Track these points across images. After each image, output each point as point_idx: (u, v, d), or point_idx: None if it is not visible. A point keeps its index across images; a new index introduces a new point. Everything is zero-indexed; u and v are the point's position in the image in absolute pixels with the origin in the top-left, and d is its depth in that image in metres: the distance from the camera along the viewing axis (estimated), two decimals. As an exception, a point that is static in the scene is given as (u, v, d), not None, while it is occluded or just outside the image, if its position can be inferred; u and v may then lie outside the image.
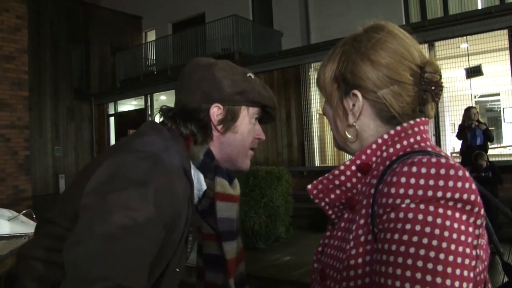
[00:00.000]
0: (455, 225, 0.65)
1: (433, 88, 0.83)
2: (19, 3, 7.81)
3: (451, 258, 0.63)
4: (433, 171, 0.68)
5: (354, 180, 0.83)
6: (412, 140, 0.81)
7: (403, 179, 0.69)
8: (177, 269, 1.15)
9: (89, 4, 18.04)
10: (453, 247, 0.64)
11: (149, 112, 15.59)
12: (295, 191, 7.29)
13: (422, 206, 0.67)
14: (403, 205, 0.68)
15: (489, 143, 7.02)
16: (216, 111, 1.16)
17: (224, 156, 1.20)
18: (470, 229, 0.67)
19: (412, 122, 0.83)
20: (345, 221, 0.84)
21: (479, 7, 10.88)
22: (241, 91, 1.17)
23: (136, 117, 15.93)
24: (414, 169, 0.69)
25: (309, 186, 0.88)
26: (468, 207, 0.67)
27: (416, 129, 0.82)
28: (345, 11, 12.67)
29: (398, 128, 0.82)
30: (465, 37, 8.32)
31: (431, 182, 0.67)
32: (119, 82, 15.88)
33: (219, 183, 1.14)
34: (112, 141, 16.22)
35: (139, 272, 0.88)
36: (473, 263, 0.66)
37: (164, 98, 15.99)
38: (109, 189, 0.91)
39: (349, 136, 0.88)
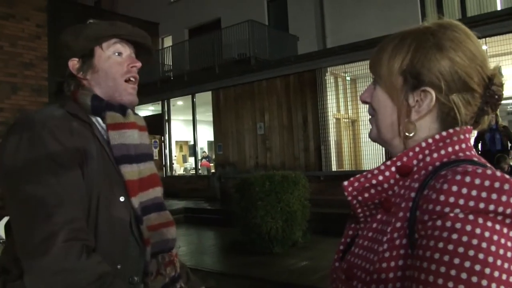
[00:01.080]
0: (502, 241, 0.64)
1: (495, 101, 0.82)
2: (39, 11, 7.96)
3: (496, 274, 0.62)
4: (487, 183, 0.66)
5: (392, 181, 0.82)
6: (457, 147, 0.80)
7: (454, 188, 0.67)
8: (121, 219, 1.24)
9: (106, 11, 18.32)
10: (499, 262, 0.62)
11: (166, 117, 15.73)
12: (312, 196, 7.26)
13: (471, 217, 0.65)
14: (452, 214, 0.66)
15: (509, 144, 6.93)
16: (73, 64, 1.32)
17: (104, 94, 1.33)
18: None
19: (458, 128, 0.81)
20: (378, 222, 0.83)
21: (499, 8, 10.74)
22: (83, 37, 1.31)
23: (153, 122, 16.06)
24: (468, 179, 0.67)
25: (346, 183, 0.86)
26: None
27: (461, 136, 0.81)
28: (361, 15, 12.63)
29: (444, 133, 0.81)
30: (483, 39, 8.21)
31: (484, 195, 0.66)
32: (136, 87, 16.00)
33: (108, 116, 1.29)
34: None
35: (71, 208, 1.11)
36: None
37: (181, 103, 16.11)
38: None
39: (406, 133, 0.84)
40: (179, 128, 18.49)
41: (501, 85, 0.82)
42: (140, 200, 1.28)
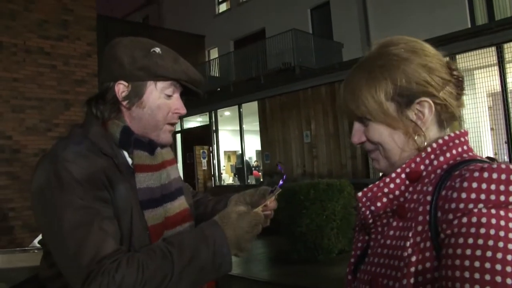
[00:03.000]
0: None
1: (461, 82, 0.90)
2: (89, 31, 8.38)
3: None
4: (503, 176, 0.69)
5: (403, 188, 0.85)
6: (460, 149, 0.84)
7: (474, 184, 0.70)
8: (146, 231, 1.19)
9: (154, 27, 18.92)
10: None
11: (214, 128, 15.99)
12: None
13: (493, 211, 0.68)
14: (476, 210, 0.69)
15: None
16: (121, 88, 1.21)
17: (140, 130, 1.24)
18: None
19: (457, 132, 0.86)
20: (395, 229, 0.84)
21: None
22: (142, 67, 1.20)
23: (202, 133, 16.38)
24: (486, 174, 0.70)
25: (360, 194, 0.89)
26: None
27: (462, 139, 0.86)
28: (407, 18, 12.38)
29: (446, 137, 0.85)
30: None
31: (502, 187, 0.69)
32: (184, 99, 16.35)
33: (136, 155, 1.21)
34: (179, 157, 16.75)
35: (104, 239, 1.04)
36: None
37: (228, 114, 16.34)
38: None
39: (421, 146, 0.87)
40: (227, 138, 18.71)
41: (456, 68, 0.90)
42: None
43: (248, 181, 16.15)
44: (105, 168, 1.14)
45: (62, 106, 7.95)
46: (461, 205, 0.70)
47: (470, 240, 0.67)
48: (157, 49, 1.24)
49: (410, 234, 0.78)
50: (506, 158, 9.76)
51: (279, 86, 12.94)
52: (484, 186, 0.69)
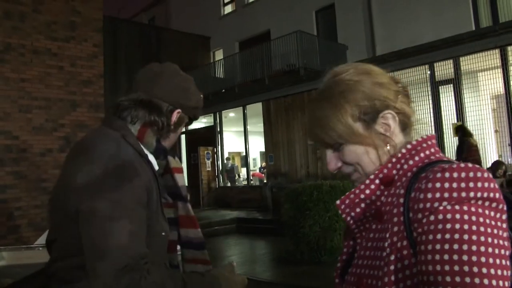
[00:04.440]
0: (487, 221, 0.73)
1: (406, 90, 0.98)
2: (95, 32, 8.48)
3: (490, 250, 0.71)
4: (463, 174, 0.75)
5: (378, 193, 0.90)
6: (427, 152, 0.90)
7: (438, 184, 0.76)
8: (163, 233, 1.34)
9: (160, 28, 19.00)
10: (490, 240, 0.71)
11: (218, 129, 16.05)
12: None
13: (457, 207, 0.74)
14: (441, 208, 0.74)
15: None
16: (176, 115, 1.39)
17: (164, 143, 1.43)
18: (499, 224, 0.74)
19: (424, 137, 0.93)
20: (374, 232, 0.89)
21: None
22: (196, 107, 1.45)
23: (206, 134, 16.45)
24: (447, 174, 0.76)
25: (338, 202, 0.94)
26: (494, 204, 0.75)
27: (429, 142, 0.92)
28: (412, 20, 12.38)
29: (414, 142, 0.91)
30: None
31: (463, 185, 0.75)
32: (189, 100, 16.34)
33: (172, 160, 1.46)
34: (184, 158, 16.82)
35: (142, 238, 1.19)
36: (507, 253, 0.73)
37: (233, 115, 16.39)
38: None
39: (393, 153, 0.93)
40: (231, 140, 18.77)
41: (399, 80, 0.99)
42: (191, 234, 1.50)
43: (252, 182, 16.20)
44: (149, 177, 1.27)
45: (68, 106, 8.04)
46: (428, 205, 0.76)
47: (439, 236, 0.73)
48: (192, 86, 1.44)
49: (387, 235, 0.83)
50: (511, 160, 9.76)
51: (283, 88, 12.99)
52: (446, 185, 0.75)
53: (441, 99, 10.28)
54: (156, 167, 1.37)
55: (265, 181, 14.73)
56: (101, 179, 1.17)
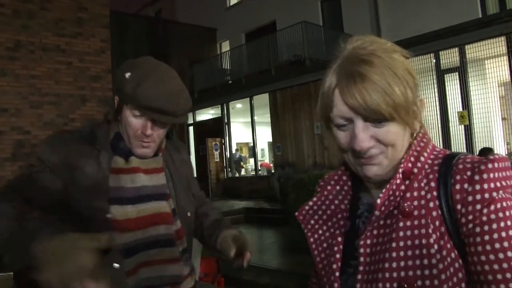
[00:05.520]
0: None
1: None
2: (103, 28, 8.62)
3: None
4: (505, 164, 0.79)
5: (403, 187, 0.85)
6: (431, 146, 0.89)
7: (492, 175, 0.77)
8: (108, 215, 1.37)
9: (167, 21, 19.08)
10: None
11: (226, 120, 16.16)
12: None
13: (508, 195, 0.77)
14: (498, 197, 0.76)
15: None
16: (115, 101, 1.47)
17: (124, 138, 1.46)
18: None
19: (422, 131, 0.90)
20: (404, 229, 0.83)
21: None
22: (116, 89, 1.43)
23: (214, 125, 16.56)
24: (496, 165, 0.78)
25: (378, 201, 0.85)
26: None
27: (427, 136, 0.91)
28: (418, 10, 12.34)
29: (418, 138, 0.89)
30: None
31: (505, 174, 0.79)
32: (197, 92, 16.54)
33: (113, 160, 1.43)
34: (192, 149, 16.97)
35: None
36: None
37: (240, 106, 16.48)
38: None
39: (415, 131, 0.89)
40: (239, 130, 18.86)
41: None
42: (135, 237, 1.39)
43: (260, 172, 16.34)
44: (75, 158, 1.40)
45: (78, 101, 8.22)
46: (486, 195, 0.76)
47: (502, 224, 0.74)
48: (127, 74, 1.38)
49: (431, 230, 0.80)
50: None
51: (290, 78, 13.03)
52: (497, 175, 0.77)
53: (446, 87, 10.29)
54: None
55: (273, 171, 14.84)
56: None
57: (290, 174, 12.22)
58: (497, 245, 0.74)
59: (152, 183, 1.48)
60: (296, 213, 1.04)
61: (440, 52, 10.19)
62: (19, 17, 7.65)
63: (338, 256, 0.93)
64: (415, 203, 0.83)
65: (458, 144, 9.98)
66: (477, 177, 0.78)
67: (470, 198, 0.78)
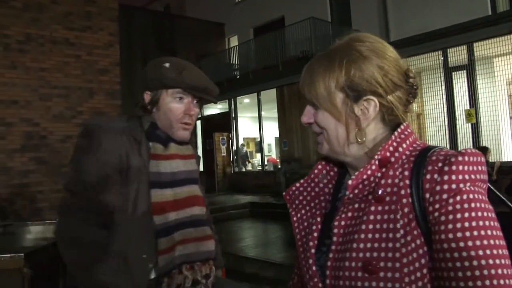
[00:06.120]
0: (486, 199, 0.82)
1: (414, 90, 0.94)
2: (111, 21, 8.70)
3: (497, 223, 0.80)
4: (476, 158, 0.82)
5: (378, 174, 0.89)
6: (411, 139, 0.92)
7: (461, 167, 0.80)
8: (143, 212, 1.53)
9: (175, 15, 19.13)
10: (492, 214, 0.80)
11: (233, 115, 16.22)
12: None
13: (476, 189, 0.80)
14: (465, 188, 0.79)
15: None
16: (145, 97, 1.61)
17: (162, 126, 1.61)
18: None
19: (405, 124, 0.93)
20: (375, 213, 0.87)
21: None
22: (153, 78, 1.58)
23: (221, 120, 16.63)
24: (466, 158, 0.81)
25: (350, 182, 0.90)
26: (486, 186, 0.84)
27: (409, 130, 0.93)
28: (426, 6, 12.26)
29: (399, 130, 0.92)
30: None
31: (475, 168, 0.81)
32: (205, 87, 16.48)
33: (151, 146, 1.58)
34: (199, 144, 17.05)
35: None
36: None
37: (248, 101, 16.52)
38: None
39: (359, 140, 0.92)
40: (246, 125, 18.90)
41: (414, 76, 0.94)
42: (174, 217, 1.56)
43: (266, 167, 16.39)
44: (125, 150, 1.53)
45: (86, 94, 8.32)
46: (453, 186, 0.79)
47: (466, 214, 0.77)
48: (167, 64, 1.56)
49: (399, 216, 0.84)
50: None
51: (297, 74, 12.87)
52: (466, 168, 0.80)
53: (454, 85, 10.26)
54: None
55: (279, 166, 14.90)
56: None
57: (296, 169, 12.28)
58: (459, 234, 0.77)
59: (186, 168, 1.66)
60: (284, 193, 1.09)
61: (448, 50, 10.16)
62: (29, 11, 7.74)
63: (315, 234, 0.98)
64: (388, 189, 0.87)
65: (465, 142, 9.98)
66: (446, 168, 0.81)
67: (438, 188, 0.81)
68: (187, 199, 1.62)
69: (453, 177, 0.80)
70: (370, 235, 0.86)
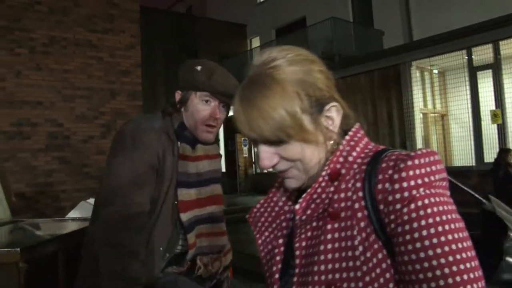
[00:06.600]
0: (447, 199, 0.76)
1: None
2: (133, 23, 8.83)
3: (460, 224, 0.74)
4: (428, 159, 0.76)
5: (332, 189, 0.84)
6: (364, 142, 0.87)
7: (411, 172, 0.74)
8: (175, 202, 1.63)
9: (196, 17, 19.27)
10: (455, 216, 0.75)
11: (254, 116, 16.19)
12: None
13: (428, 192, 0.74)
14: (419, 194, 0.73)
15: None
16: (176, 96, 1.71)
17: (189, 126, 1.69)
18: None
19: (356, 126, 0.89)
20: (332, 232, 0.82)
21: None
22: (185, 80, 1.66)
23: (243, 121, 16.61)
24: (416, 161, 0.75)
25: (297, 206, 0.86)
26: (446, 183, 0.79)
27: (360, 133, 0.88)
28: (450, 4, 12.06)
29: (351, 133, 0.87)
30: None
31: (428, 169, 0.76)
32: (227, 88, 16.53)
33: (180, 146, 1.65)
34: (222, 144, 17.12)
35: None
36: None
37: (269, 102, 16.46)
38: None
39: (333, 149, 0.87)
40: (268, 127, 18.83)
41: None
42: (194, 214, 1.66)
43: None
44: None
45: (108, 95, 8.47)
46: (406, 194, 0.74)
47: (423, 222, 0.72)
48: (199, 67, 1.64)
49: (356, 232, 0.79)
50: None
51: (319, 75, 12.94)
52: (417, 172, 0.74)
53: (479, 85, 10.05)
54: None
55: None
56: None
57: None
58: (418, 245, 0.72)
59: (211, 168, 1.75)
60: (247, 216, 1.05)
61: (473, 49, 9.95)
62: (54, 14, 7.92)
63: (278, 258, 0.93)
64: (342, 204, 0.82)
65: (490, 144, 9.75)
66: (396, 176, 0.75)
67: (390, 198, 0.76)
68: (209, 198, 1.73)
69: (404, 184, 0.74)
70: (330, 255, 0.81)
